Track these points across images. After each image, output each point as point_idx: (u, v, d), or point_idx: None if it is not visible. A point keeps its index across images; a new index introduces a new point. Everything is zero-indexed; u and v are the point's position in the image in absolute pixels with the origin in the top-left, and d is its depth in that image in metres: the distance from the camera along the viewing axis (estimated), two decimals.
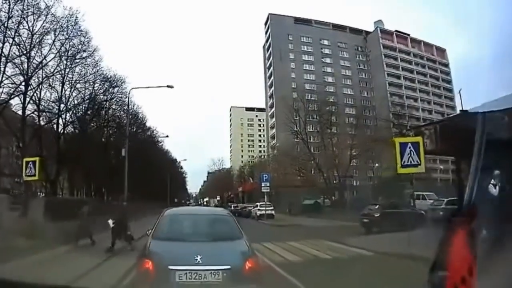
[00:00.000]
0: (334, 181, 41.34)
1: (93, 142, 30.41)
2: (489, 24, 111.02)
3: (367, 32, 78.57)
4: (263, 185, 28.83)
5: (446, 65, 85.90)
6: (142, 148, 41.78)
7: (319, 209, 35.27)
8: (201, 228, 5.68)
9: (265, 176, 29.93)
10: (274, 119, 65.41)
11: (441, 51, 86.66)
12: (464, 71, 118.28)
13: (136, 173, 38.02)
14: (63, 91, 25.71)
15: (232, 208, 46.60)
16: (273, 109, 66.00)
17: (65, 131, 28.51)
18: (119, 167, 26.84)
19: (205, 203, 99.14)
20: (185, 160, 58.46)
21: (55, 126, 26.19)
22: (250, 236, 5.69)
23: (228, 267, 4.51)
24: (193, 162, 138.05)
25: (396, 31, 79.04)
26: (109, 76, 29.21)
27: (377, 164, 47.64)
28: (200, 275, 4.43)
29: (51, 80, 24.44)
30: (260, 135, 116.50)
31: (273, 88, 67.27)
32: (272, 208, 33.11)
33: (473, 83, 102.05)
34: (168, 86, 24.55)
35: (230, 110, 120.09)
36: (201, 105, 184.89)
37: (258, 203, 35.51)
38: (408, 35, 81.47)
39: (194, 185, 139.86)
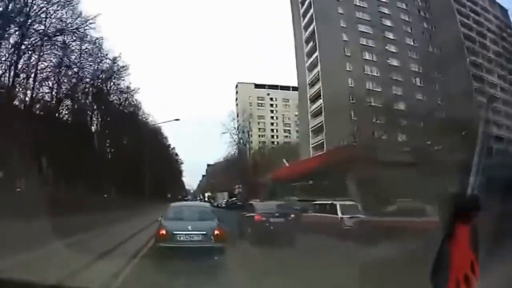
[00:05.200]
0: None
1: None
2: None
3: None
4: None
5: (509, 27, 71.09)
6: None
7: None
8: (191, 214, 10.55)
9: None
10: (319, 67, 45.74)
11: (504, 10, 72.41)
12: None
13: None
14: None
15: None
16: (316, 54, 46.29)
17: None
18: None
19: (206, 198, 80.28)
20: (178, 119, 36.30)
21: None
22: None
23: (204, 232, 9.16)
24: (191, 157, 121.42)
25: None
26: None
27: None
28: (190, 236, 9.05)
29: None
30: (272, 117, 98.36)
31: (314, 24, 47.39)
32: None
33: None
34: None
35: (236, 87, 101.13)
36: (199, 82, 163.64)
37: None
38: None
39: (191, 180, 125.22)
